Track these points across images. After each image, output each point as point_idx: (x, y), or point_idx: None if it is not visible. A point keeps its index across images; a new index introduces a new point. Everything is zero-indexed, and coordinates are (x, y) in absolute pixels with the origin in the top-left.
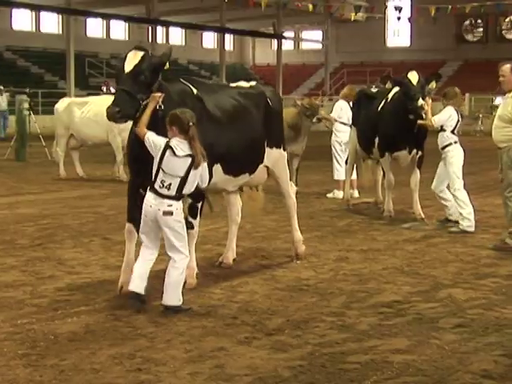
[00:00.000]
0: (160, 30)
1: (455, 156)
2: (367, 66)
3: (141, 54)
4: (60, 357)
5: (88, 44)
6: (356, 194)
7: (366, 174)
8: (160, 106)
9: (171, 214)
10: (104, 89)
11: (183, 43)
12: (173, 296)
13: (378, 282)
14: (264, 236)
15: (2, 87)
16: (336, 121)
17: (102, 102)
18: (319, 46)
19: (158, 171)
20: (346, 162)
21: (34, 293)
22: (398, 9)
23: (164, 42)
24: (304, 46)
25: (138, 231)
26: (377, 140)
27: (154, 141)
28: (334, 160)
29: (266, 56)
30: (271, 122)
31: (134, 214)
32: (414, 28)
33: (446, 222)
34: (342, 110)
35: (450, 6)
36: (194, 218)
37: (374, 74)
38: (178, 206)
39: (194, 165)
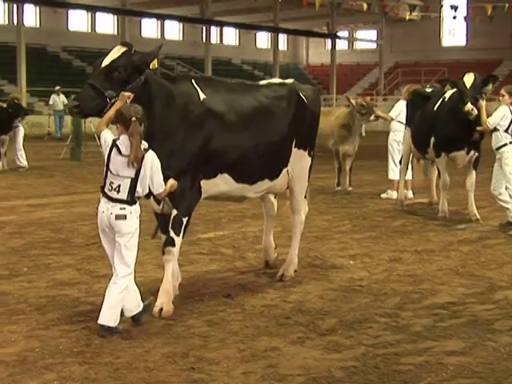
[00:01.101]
0: (214, 30)
1: (510, 157)
2: (422, 66)
3: (123, 49)
4: (114, 355)
5: (142, 44)
6: (410, 194)
7: (419, 175)
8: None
9: (124, 217)
10: None
11: (237, 43)
12: (108, 315)
13: (433, 283)
14: (317, 236)
15: (58, 87)
16: (393, 119)
17: None
18: (373, 46)
19: (106, 172)
20: (400, 162)
21: (88, 291)
22: (454, 8)
23: (218, 42)
24: (358, 45)
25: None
26: (432, 140)
27: (105, 139)
28: (390, 159)
29: (319, 56)
30: (303, 121)
31: (164, 226)
32: (469, 27)
33: (509, 225)
34: (403, 110)
35: (506, 5)
36: (176, 233)
37: (429, 74)
38: (132, 210)
39: (128, 163)
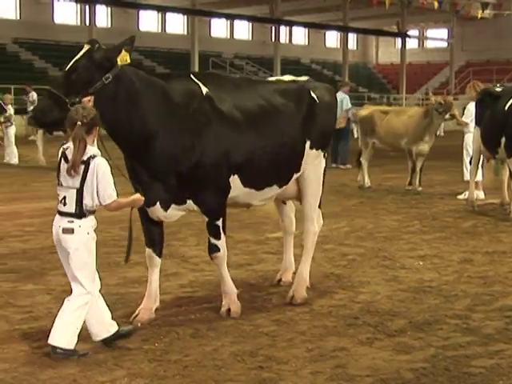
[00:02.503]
0: (283, 29)
1: None
2: (494, 65)
3: (86, 48)
4: (183, 353)
5: (212, 44)
6: (482, 195)
7: (489, 175)
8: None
9: (71, 231)
10: None
11: (306, 43)
12: (59, 335)
13: (504, 285)
14: (386, 236)
15: None
16: (467, 124)
17: None
18: (444, 45)
19: (58, 184)
20: (470, 163)
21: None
22: None
23: (287, 41)
24: (429, 44)
25: (159, 255)
26: (503, 140)
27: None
28: (467, 160)
29: (389, 55)
30: (316, 122)
31: (152, 237)
32: None
33: None
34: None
35: None
36: (216, 238)
37: (501, 73)
38: (81, 224)
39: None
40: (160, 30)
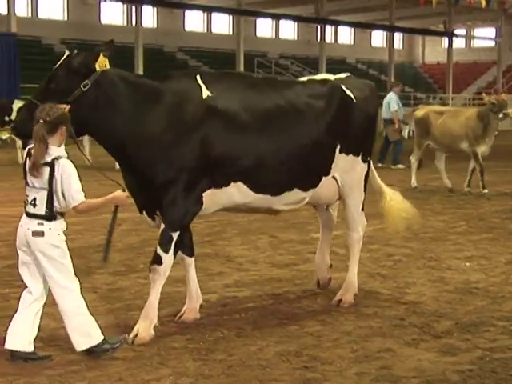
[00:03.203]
0: (329, 29)
1: None
2: None
3: (65, 56)
4: (228, 352)
5: (257, 44)
6: None
7: None
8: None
9: (42, 234)
10: None
11: (352, 42)
12: (81, 341)
13: None
14: (432, 237)
15: None
16: None
17: None
18: (492, 44)
19: (25, 184)
20: None
21: (203, 288)
22: None
23: (333, 41)
24: (476, 43)
25: (189, 255)
26: None
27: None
28: None
29: (435, 54)
30: (351, 123)
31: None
32: None
33: None
34: None
35: None
36: (164, 250)
37: None
38: (52, 226)
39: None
40: (205, 30)
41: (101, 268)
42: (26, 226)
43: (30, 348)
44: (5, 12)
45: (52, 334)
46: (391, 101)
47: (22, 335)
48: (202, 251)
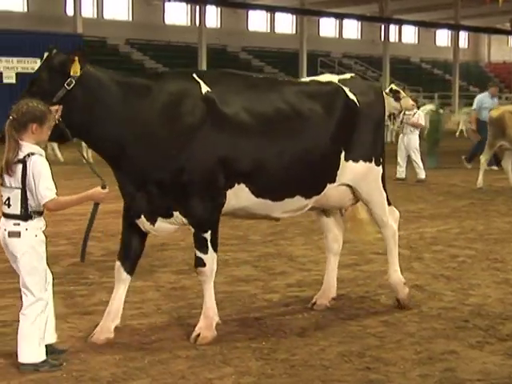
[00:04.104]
0: (393, 28)
1: None
2: None
3: (45, 56)
4: (290, 352)
5: (320, 43)
6: None
7: None
8: (58, 120)
9: (18, 235)
10: None
11: (416, 41)
12: (26, 353)
13: None
14: (497, 238)
15: None
16: None
17: None
18: None
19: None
20: None
21: (265, 288)
22: None
23: (397, 40)
24: None
25: (128, 271)
26: None
27: None
28: None
29: (502, 53)
30: (355, 126)
31: (124, 251)
32: None
33: None
34: None
35: None
36: (202, 251)
37: None
38: (28, 227)
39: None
40: (269, 30)
41: (164, 267)
42: (3, 226)
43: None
44: (71, 13)
45: (115, 331)
46: (476, 100)
47: (28, 347)
48: (264, 251)
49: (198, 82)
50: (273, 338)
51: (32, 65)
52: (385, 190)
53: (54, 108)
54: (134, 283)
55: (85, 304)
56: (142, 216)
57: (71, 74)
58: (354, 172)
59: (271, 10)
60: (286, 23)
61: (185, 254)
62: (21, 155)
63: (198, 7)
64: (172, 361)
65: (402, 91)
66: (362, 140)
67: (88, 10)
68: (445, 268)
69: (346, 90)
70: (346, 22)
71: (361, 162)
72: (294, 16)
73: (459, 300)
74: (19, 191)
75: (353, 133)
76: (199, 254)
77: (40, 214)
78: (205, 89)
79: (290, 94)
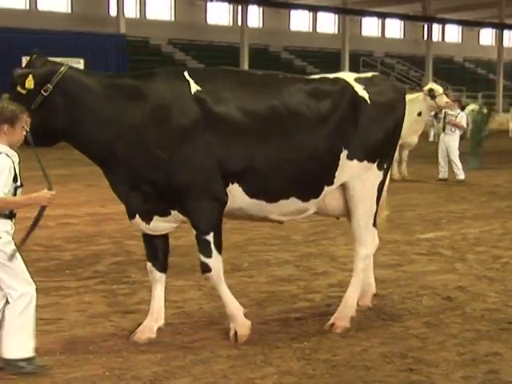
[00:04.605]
0: (436, 27)
1: None
2: None
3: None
4: (332, 352)
5: (363, 43)
6: None
7: None
8: (26, 131)
9: None
10: None
11: (459, 41)
12: (13, 347)
13: None
14: None
15: None
16: None
17: None
18: None
19: None
20: None
21: (307, 288)
22: None
23: (440, 39)
24: None
25: (161, 270)
26: None
27: None
28: None
29: None
30: (362, 126)
31: (151, 252)
32: None
33: None
34: None
35: None
36: (206, 255)
37: None
38: None
39: None
40: (311, 30)
41: None
42: None
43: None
44: (114, 13)
45: (157, 330)
46: None
47: (14, 342)
48: (306, 251)
49: (188, 81)
50: (314, 338)
51: (75, 65)
52: (377, 205)
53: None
54: (175, 282)
55: (127, 303)
56: (137, 216)
57: (26, 87)
58: (353, 171)
59: (313, 9)
60: (328, 23)
61: (226, 253)
62: None
63: (240, 7)
64: (213, 360)
65: (438, 89)
66: (368, 139)
67: (131, 11)
68: (488, 269)
69: (359, 87)
70: (388, 21)
71: (364, 162)
72: (337, 15)
73: (503, 301)
74: None
75: (359, 131)
76: (203, 259)
77: (7, 216)
78: (194, 88)
79: (287, 91)
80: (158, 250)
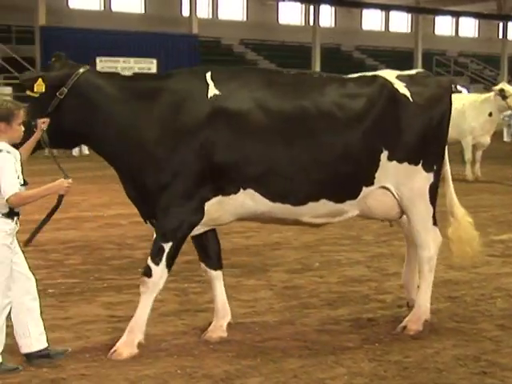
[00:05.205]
0: (511, 25)
1: None
2: None
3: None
4: (404, 354)
5: (436, 42)
6: None
7: None
8: (42, 131)
9: None
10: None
11: None
12: None
13: None
14: None
15: None
16: None
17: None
18: None
19: None
20: None
21: (378, 289)
22: None
23: None
24: None
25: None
26: None
27: None
28: None
29: None
30: (403, 125)
31: (202, 252)
32: None
33: None
34: None
35: None
36: (155, 261)
37: None
38: None
39: None
40: (383, 29)
41: (276, 266)
42: None
43: None
44: (187, 14)
45: (228, 329)
46: None
47: None
48: (377, 251)
49: (207, 83)
50: (386, 339)
51: (148, 65)
52: (434, 205)
53: (41, 120)
54: (246, 282)
55: (198, 301)
56: (147, 220)
57: (35, 90)
58: (395, 173)
59: (386, 8)
60: (400, 22)
61: (297, 253)
62: None
63: (312, 7)
64: (284, 360)
65: (509, 89)
66: (410, 139)
67: (203, 11)
68: None
69: (400, 85)
70: (462, 19)
71: (405, 164)
72: (409, 14)
73: None
74: None
75: (400, 130)
76: (150, 263)
77: (7, 215)
78: (212, 90)
79: (317, 91)
80: (208, 249)
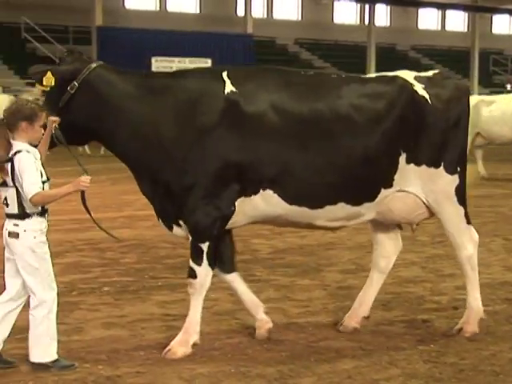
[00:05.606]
0: None
1: None
2: None
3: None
4: (460, 356)
5: (493, 41)
6: None
7: None
8: (55, 128)
9: (17, 236)
10: (508, 86)
11: None
12: (38, 352)
13: None
14: None
15: None
16: None
17: (508, 101)
18: None
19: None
20: None
21: (433, 290)
22: None
23: None
24: None
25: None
26: None
27: None
28: None
29: None
30: (422, 127)
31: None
32: None
33: None
34: None
35: None
36: (197, 262)
37: None
38: (27, 227)
39: None
40: (439, 28)
41: (330, 266)
42: (6, 226)
43: None
44: (242, 13)
45: (281, 329)
46: None
47: (38, 347)
48: (433, 252)
49: (224, 81)
50: (441, 340)
51: (203, 65)
52: (464, 205)
53: (53, 118)
54: (300, 281)
55: None
56: (160, 219)
57: (44, 84)
58: (416, 177)
59: (442, 7)
60: (457, 20)
61: (351, 253)
62: (11, 154)
63: (367, 6)
64: (338, 360)
65: None
66: (429, 141)
67: (258, 11)
68: None
69: (418, 86)
70: None
71: (423, 166)
72: (466, 13)
73: None
74: (14, 189)
75: (419, 133)
76: (192, 265)
77: (40, 214)
78: (229, 88)
79: (335, 92)
80: (220, 253)
